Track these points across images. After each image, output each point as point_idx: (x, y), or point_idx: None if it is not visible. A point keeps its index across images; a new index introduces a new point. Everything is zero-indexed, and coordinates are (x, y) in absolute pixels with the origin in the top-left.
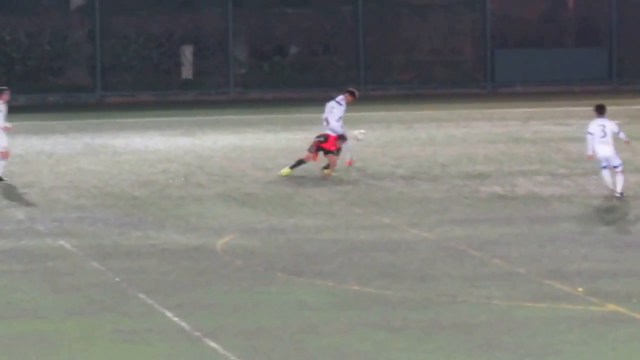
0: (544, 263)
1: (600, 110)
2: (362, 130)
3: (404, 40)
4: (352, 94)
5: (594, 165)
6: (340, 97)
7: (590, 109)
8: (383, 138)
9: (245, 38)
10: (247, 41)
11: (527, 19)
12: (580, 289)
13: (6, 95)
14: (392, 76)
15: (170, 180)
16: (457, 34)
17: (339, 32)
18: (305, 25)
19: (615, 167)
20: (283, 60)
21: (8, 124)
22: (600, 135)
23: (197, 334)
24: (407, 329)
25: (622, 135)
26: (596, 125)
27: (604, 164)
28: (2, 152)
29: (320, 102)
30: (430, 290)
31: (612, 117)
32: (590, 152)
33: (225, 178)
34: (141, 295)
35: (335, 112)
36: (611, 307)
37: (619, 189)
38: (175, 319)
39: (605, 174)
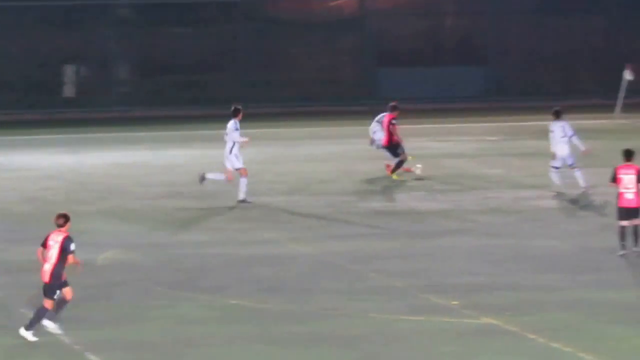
0: (420, 277)
1: (557, 114)
2: (418, 165)
3: (286, 59)
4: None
5: (473, 182)
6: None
7: (468, 126)
8: (264, 155)
9: (128, 57)
10: (130, 60)
11: (408, 37)
12: (455, 302)
13: (240, 115)
14: (275, 94)
15: (53, 197)
16: (340, 52)
17: (222, 51)
18: (189, 44)
19: (571, 165)
20: (167, 78)
21: (244, 138)
22: (561, 135)
23: (78, 347)
24: (287, 342)
25: (576, 138)
26: (557, 126)
27: (557, 164)
28: (241, 170)
29: (202, 119)
30: (309, 304)
31: (491, 134)
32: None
33: (107, 194)
34: (23, 310)
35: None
36: (486, 319)
37: (582, 183)
38: (57, 333)
39: (555, 176)
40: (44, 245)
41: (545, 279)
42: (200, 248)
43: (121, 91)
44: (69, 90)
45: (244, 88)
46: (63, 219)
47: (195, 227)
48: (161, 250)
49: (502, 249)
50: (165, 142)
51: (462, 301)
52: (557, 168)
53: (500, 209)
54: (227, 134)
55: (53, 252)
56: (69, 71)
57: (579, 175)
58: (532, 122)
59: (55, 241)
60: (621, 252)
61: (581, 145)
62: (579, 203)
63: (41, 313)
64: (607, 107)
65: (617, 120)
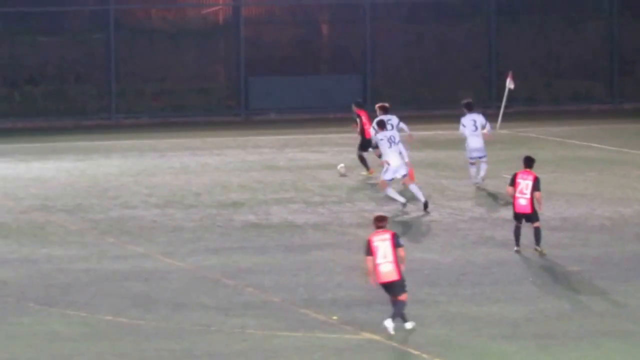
0: (298, 292)
1: (469, 106)
2: (342, 165)
3: (156, 68)
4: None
5: (351, 194)
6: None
7: (345, 136)
8: (135, 167)
9: None
10: None
11: (281, 45)
12: (334, 318)
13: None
14: (145, 104)
15: None
16: (211, 61)
17: (90, 60)
18: (56, 53)
19: (481, 157)
20: (34, 89)
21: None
22: (472, 129)
23: None
24: (161, 359)
25: (488, 127)
26: (469, 120)
27: (474, 154)
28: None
29: (72, 130)
30: (184, 320)
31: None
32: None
33: None
34: None
35: None
36: (366, 335)
37: (482, 173)
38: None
39: (473, 169)
40: (370, 252)
41: (425, 292)
42: (73, 263)
43: None
44: None
45: (114, 98)
46: (385, 221)
47: (67, 241)
48: (32, 265)
49: None
50: (35, 154)
51: (341, 316)
52: (480, 157)
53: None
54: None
55: (387, 251)
56: None
57: (484, 168)
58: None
59: (383, 239)
60: (516, 248)
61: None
62: (459, 216)
63: (402, 306)
64: (488, 117)
65: (499, 131)
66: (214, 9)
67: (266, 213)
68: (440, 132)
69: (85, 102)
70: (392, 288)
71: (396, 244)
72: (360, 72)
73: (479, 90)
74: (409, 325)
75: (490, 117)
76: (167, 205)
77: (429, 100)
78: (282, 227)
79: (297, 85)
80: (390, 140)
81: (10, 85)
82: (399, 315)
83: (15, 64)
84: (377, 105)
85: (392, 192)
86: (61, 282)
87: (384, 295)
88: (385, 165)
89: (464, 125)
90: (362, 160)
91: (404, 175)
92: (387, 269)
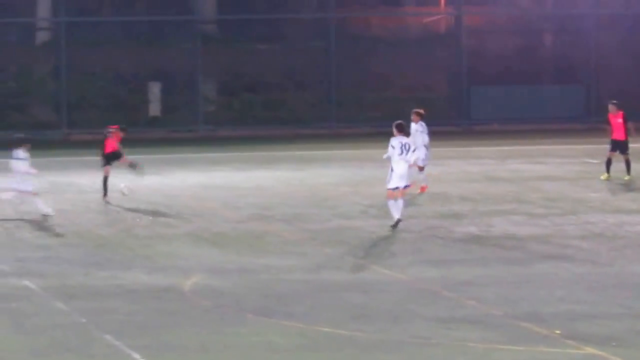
0: (520, 305)
1: None
2: (124, 184)
3: (376, 77)
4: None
5: (574, 206)
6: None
7: (567, 148)
8: (355, 177)
9: (214, 75)
10: (216, 78)
11: (503, 55)
12: (557, 332)
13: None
14: (364, 113)
15: (138, 220)
16: (432, 70)
17: (310, 69)
18: (276, 61)
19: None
20: (253, 97)
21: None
22: None
23: None
24: None
25: None
26: None
27: None
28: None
29: (290, 139)
30: (404, 332)
31: (593, 156)
32: None
33: (194, 217)
34: (107, 337)
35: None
36: (589, 350)
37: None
38: None
39: None
40: None
41: None
42: (291, 273)
43: (207, 110)
44: (153, 109)
45: (333, 107)
46: None
47: (285, 251)
48: (249, 275)
49: (604, 276)
50: (253, 163)
51: (563, 330)
52: None
53: (603, 234)
54: None
55: None
56: (154, 89)
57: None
58: (636, 145)
59: None
60: None
61: None
62: None
63: None
64: None
65: None
66: (435, 17)
67: (487, 225)
68: None
69: (304, 111)
70: None
71: None
72: (583, 83)
73: None
74: None
75: None
76: (387, 217)
77: None
78: (503, 239)
79: (519, 96)
80: (403, 148)
81: (230, 94)
82: None
83: (235, 72)
84: (413, 111)
85: (392, 205)
86: (279, 292)
87: (607, 309)
88: (389, 173)
89: None
90: (609, 162)
91: (406, 187)
92: None
